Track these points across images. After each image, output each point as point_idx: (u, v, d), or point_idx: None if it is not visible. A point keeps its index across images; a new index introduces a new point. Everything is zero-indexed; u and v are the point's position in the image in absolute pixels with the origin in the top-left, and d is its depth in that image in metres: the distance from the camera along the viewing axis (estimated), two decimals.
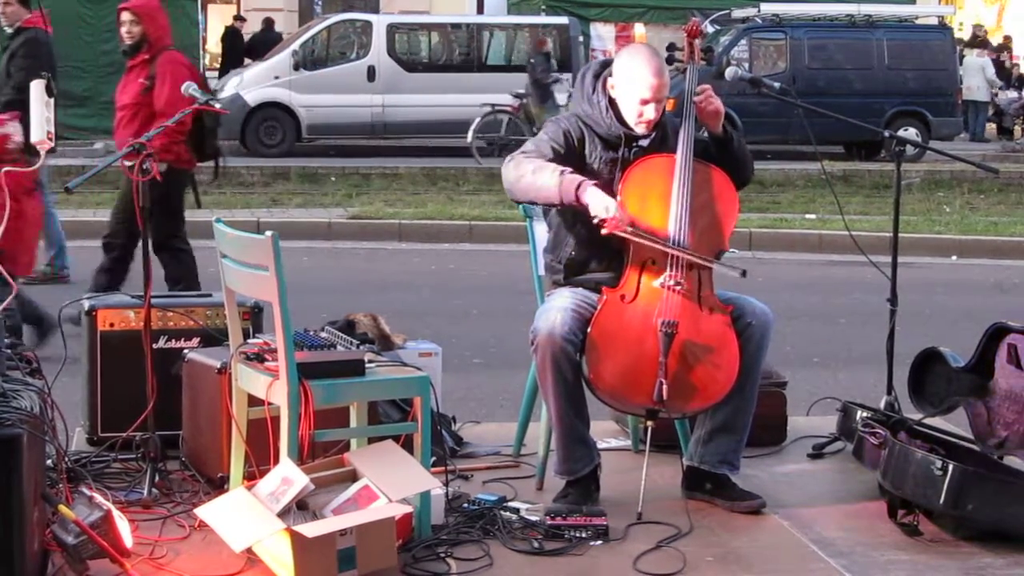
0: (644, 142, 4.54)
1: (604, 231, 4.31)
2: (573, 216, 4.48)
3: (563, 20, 20.53)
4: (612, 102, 4.52)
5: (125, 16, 7.32)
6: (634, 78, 4.44)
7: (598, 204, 4.28)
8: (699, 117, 4.52)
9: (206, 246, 5.39)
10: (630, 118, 4.49)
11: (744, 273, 4.42)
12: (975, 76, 22.72)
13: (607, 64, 4.61)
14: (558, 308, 4.38)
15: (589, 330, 4.35)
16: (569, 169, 4.36)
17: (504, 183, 4.50)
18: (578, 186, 4.29)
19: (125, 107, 7.32)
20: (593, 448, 4.54)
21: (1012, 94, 24.51)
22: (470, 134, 17.78)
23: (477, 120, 17.83)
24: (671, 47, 4.74)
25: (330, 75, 19.09)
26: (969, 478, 4.23)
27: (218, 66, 22.56)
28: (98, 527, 3.75)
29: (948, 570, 4.11)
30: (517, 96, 17.90)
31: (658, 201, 4.45)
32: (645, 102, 4.44)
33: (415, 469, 4.06)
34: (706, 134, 4.58)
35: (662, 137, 4.56)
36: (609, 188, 4.45)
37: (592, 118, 4.54)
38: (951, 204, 14.80)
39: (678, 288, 4.39)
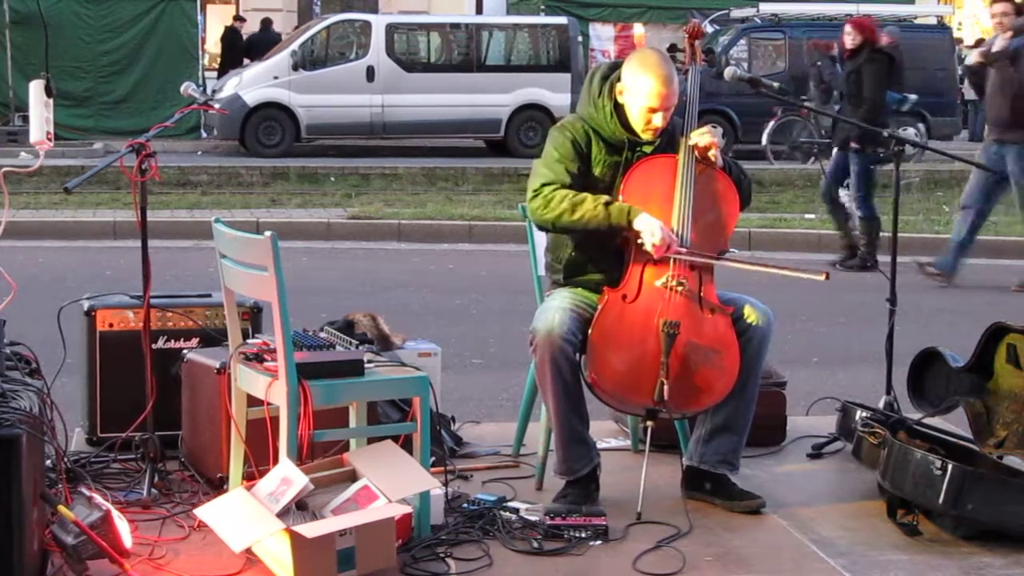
0: (647, 147, 4.53)
1: (655, 256, 4.34)
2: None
3: (562, 20, 20.53)
4: (618, 106, 4.51)
5: None
6: (643, 86, 4.43)
7: (647, 229, 4.32)
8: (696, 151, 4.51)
9: (205, 246, 5.39)
10: (637, 125, 4.48)
11: (828, 276, 4.46)
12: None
13: (616, 67, 4.60)
14: (557, 308, 4.38)
15: (590, 330, 4.35)
16: (607, 198, 4.39)
17: (537, 221, 4.49)
18: (628, 213, 4.34)
19: None
20: (592, 448, 4.54)
21: None
22: (765, 137, 18.03)
23: (771, 124, 18.02)
24: (672, 48, 4.75)
25: (329, 75, 19.10)
26: (969, 478, 4.23)
27: (217, 66, 22.56)
28: (97, 527, 3.75)
29: (948, 570, 4.11)
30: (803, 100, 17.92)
31: (660, 202, 4.45)
32: (653, 111, 4.44)
33: (414, 469, 4.06)
34: None
35: (667, 141, 4.55)
36: (610, 191, 4.46)
37: (596, 121, 4.53)
38: (950, 204, 14.78)
39: (680, 288, 4.39)
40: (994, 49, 9.83)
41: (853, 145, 10.36)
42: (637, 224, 4.34)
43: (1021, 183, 9.82)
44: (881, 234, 10.63)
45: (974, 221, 10.10)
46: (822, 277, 4.48)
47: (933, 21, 21.44)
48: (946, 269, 10.16)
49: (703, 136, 4.47)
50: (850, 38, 10.78)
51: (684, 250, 4.38)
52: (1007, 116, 9.79)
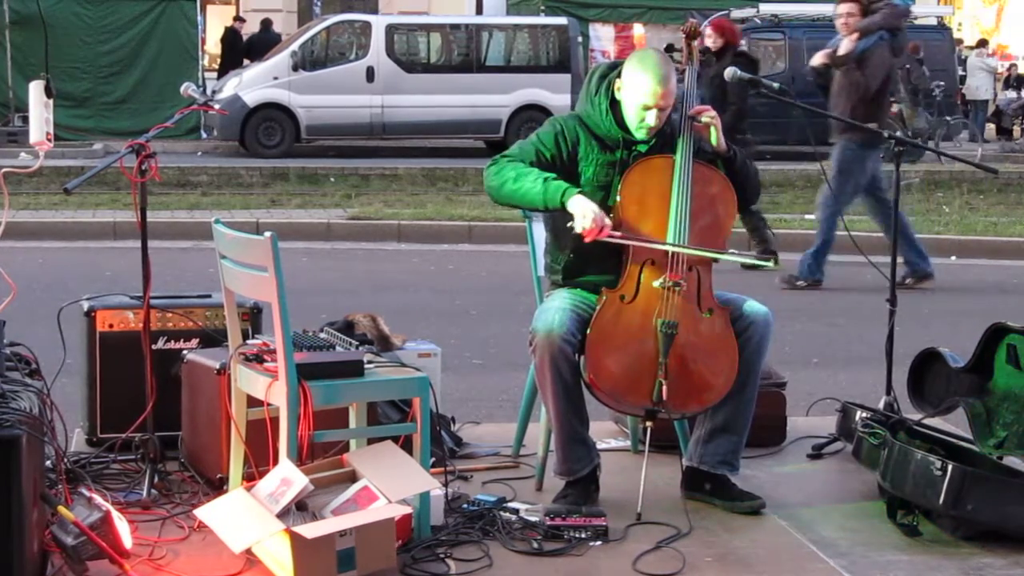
0: (643, 146, 4.53)
1: (586, 239, 4.32)
2: (571, 218, 4.48)
3: (562, 21, 20.53)
4: (614, 104, 4.52)
5: None
6: (640, 84, 4.43)
7: (579, 212, 4.29)
8: (695, 128, 4.51)
9: (205, 247, 5.38)
10: (632, 123, 4.49)
11: (776, 261, 4.44)
12: (977, 75, 22.75)
13: (615, 66, 4.61)
14: (556, 308, 4.38)
15: (588, 331, 4.35)
16: (552, 175, 4.37)
17: (486, 187, 4.52)
18: (563, 192, 4.31)
19: None
20: (592, 448, 4.54)
21: (1011, 94, 24.53)
22: None
23: None
24: (669, 48, 4.74)
25: (329, 76, 19.11)
26: (969, 478, 4.23)
27: (217, 67, 22.57)
28: (97, 528, 3.75)
29: (948, 570, 4.11)
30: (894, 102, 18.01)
31: (657, 202, 4.45)
32: (648, 108, 4.44)
33: (414, 470, 4.05)
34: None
35: (662, 142, 4.56)
36: (606, 190, 4.46)
37: (592, 119, 4.54)
38: (950, 204, 14.80)
39: (678, 289, 4.39)
40: (840, 51, 9.65)
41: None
42: (570, 205, 4.31)
43: (833, 173, 9.51)
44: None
45: (828, 220, 9.78)
46: (770, 263, 4.48)
47: (933, 22, 21.45)
48: (810, 276, 9.89)
49: (706, 113, 4.48)
50: (711, 40, 10.57)
51: (618, 234, 4.36)
52: (848, 118, 9.46)
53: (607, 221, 4.32)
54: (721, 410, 4.54)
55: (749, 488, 4.65)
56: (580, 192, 4.34)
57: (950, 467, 4.23)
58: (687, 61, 4.68)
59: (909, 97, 18.14)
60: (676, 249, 4.40)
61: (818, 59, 9.91)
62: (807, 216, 13.49)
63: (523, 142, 4.56)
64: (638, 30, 23.30)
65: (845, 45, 9.63)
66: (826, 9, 20.26)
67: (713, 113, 4.52)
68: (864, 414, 5.11)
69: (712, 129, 4.50)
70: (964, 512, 4.24)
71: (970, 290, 10.43)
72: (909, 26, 20.38)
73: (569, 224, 4.32)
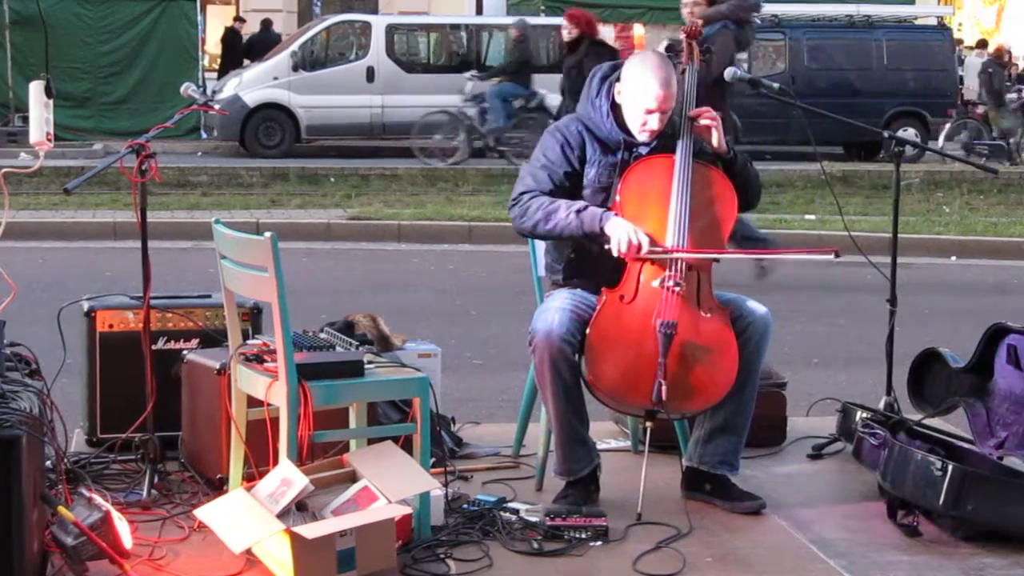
0: (644, 149, 4.53)
1: (627, 261, 4.36)
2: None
3: (562, 21, 20.48)
4: (615, 106, 4.52)
5: None
6: (640, 87, 4.43)
7: (614, 236, 4.32)
8: (695, 129, 4.51)
9: (205, 247, 5.38)
10: (633, 126, 4.49)
11: (837, 253, 4.44)
12: (977, 75, 22.74)
13: (616, 67, 4.61)
14: (556, 308, 4.38)
15: (588, 331, 4.35)
16: (580, 204, 4.40)
17: (516, 230, 4.53)
18: (599, 219, 4.35)
19: None
20: (592, 449, 4.54)
21: (1011, 94, 24.51)
22: (941, 138, 18.32)
23: (948, 126, 18.54)
24: (670, 48, 4.74)
25: (329, 76, 19.10)
26: (969, 478, 4.23)
27: (217, 67, 22.56)
28: (97, 528, 3.75)
29: (948, 571, 4.11)
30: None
31: (657, 202, 4.45)
32: (650, 112, 4.44)
33: (414, 470, 4.05)
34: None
35: (663, 143, 4.55)
36: (607, 191, 4.46)
37: (593, 121, 4.54)
38: (950, 205, 14.80)
39: (677, 289, 4.39)
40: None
41: None
42: (607, 229, 4.35)
43: None
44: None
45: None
46: (831, 255, 4.47)
47: (933, 22, 21.44)
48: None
49: (706, 114, 4.48)
50: (567, 31, 10.52)
51: (659, 250, 4.38)
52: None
53: (644, 239, 4.34)
54: (721, 410, 4.54)
55: (749, 488, 4.65)
56: (612, 214, 4.37)
57: (950, 467, 4.22)
58: (687, 61, 4.67)
59: (992, 99, 18.31)
60: (716, 255, 4.40)
61: (661, 47, 9.93)
62: (807, 216, 13.51)
63: (532, 166, 4.55)
64: (638, 30, 23.29)
65: None
66: (826, 9, 20.38)
67: (714, 114, 4.51)
68: (864, 414, 5.11)
69: (712, 131, 4.50)
70: (964, 512, 4.24)
71: (970, 290, 10.43)
72: (908, 26, 20.52)
73: (607, 247, 4.34)
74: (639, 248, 4.32)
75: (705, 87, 9.37)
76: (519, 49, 18.30)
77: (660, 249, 4.38)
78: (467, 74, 18.51)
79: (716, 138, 4.50)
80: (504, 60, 18.95)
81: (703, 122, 4.49)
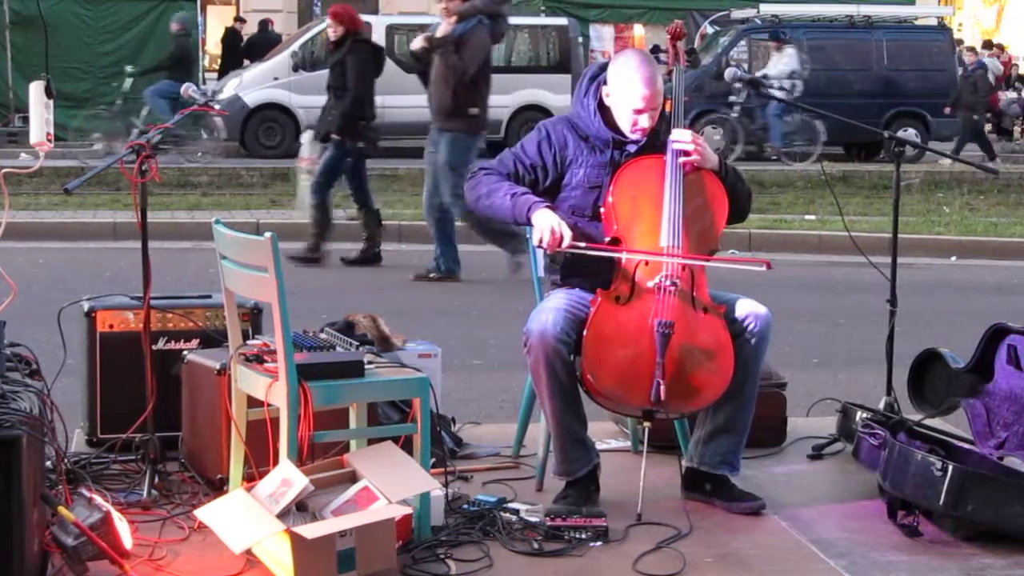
0: (633, 147, 4.54)
1: (549, 251, 4.43)
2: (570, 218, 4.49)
3: (562, 21, 20.51)
4: (603, 106, 4.53)
5: None
6: (626, 88, 4.46)
7: (537, 226, 4.36)
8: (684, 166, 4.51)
9: (206, 247, 5.38)
10: (624, 126, 4.51)
11: (769, 265, 4.49)
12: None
13: (606, 67, 4.62)
14: (550, 308, 4.38)
15: (584, 332, 4.35)
16: (521, 189, 4.45)
17: (465, 199, 4.63)
18: (528, 208, 4.39)
19: None
20: (592, 449, 4.54)
21: (1011, 95, 24.52)
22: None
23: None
24: (655, 49, 4.74)
25: None
26: (969, 478, 4.23)
27: (217, 67, 22.56)
28: (97, 528, 3.75)
29: (948, 571, 4.11)
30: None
31: (650, 202, 4.45)
32: (639, 112, 4.46)
33: (415, 470, 4.05)
34: None
35: (652, 140, 4.55)
36: (598, 191, 4.47)
37: (582, 119, 4.56)
38: (951, 205, 14.80)
39: (673, 288, 4.39)
40: (438, 34, 9.65)
41: (334, 137, 10.36)
42: (534, 219, 4.38)
43: (446, 171, 9.54)
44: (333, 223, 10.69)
45: (440, 218, 9.88)
46: (763, 267, 4.53)
47: (933, 22, 21.45)
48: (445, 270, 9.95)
49: (683, 135, 4.47)
50: (332, 30, 10.60)
51: (581, 244, 4.40)
52: (449, 105, 9.55)
53: (566, 231, 4.35)
54: (721, 410, 4.54)
55: (749, 488, 4.65)
56: (546, 206, 4.40)
57: (950, 468, 4.22)
58: (673, 62, 4.68)
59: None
60: (630, 256, 4.41)
61: (417, 43, 9.99)
62: (807, 216, 13.51)
63: (507, 150, 4.64)
64: (638, 30, 23.34)
65: (443, 28, 9.67)
66: (826, 9, 20.38)
67: (694, 146, 4.48)
68: (864, 415, 5.11)
69: (698, 156, 4.48)
70: (964, 512, 4.24)
71: (970, 290, 10.43)
72: (908, 26, 20.52)
73: (527, 237, 4.44)
74: (560, 240, 4.34)
75: (460, 83, 9.50)
76: (177, 44, 18.21)
77: (583, 244, 4.41)
78: (127, 68, 18.43)
79: (706, 162, 4.50)
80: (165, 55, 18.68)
81: (684, 159, 4.46)
